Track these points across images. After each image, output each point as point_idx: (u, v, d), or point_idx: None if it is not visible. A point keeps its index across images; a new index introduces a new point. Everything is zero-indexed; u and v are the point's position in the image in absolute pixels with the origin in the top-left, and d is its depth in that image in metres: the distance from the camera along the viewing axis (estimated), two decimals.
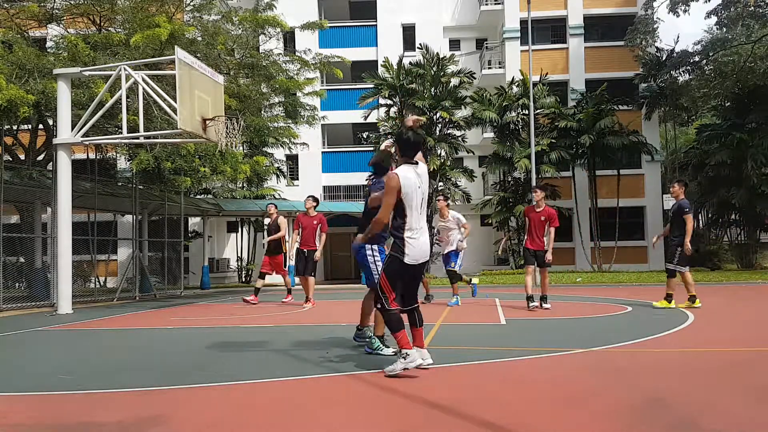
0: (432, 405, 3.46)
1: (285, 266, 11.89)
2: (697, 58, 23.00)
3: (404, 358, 4.26)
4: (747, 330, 6.59)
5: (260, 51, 16.73)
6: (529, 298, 9.17)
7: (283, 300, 11.58)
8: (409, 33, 27.95)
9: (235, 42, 15.00)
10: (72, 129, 10.84)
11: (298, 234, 10.79)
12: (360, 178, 26.21)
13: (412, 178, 4.33)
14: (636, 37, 23.24)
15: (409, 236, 4.31)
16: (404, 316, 4.44)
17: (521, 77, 23.52)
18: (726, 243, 25.15)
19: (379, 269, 4.89)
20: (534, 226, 9.11)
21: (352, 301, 12.24)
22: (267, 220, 13.84)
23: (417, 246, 4.32)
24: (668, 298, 8.81)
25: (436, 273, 23.36)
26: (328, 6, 28.32)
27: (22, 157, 15.37)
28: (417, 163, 4.46)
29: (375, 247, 5.35)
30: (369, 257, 5.33)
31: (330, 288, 19.12)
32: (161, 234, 17.12)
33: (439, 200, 10.52)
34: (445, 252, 10.40)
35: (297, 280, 11.36)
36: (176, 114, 9.50)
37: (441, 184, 22.89)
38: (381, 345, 5.25)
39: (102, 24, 15.12)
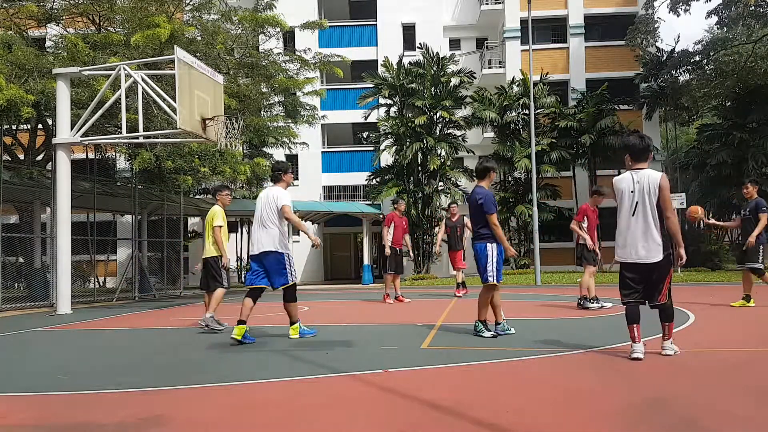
0: (432, 405, 3.45)
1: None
2: (697, 58, 22.98)
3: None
4: (747, 330, 6.58)
5: (260, 50, 16.72)
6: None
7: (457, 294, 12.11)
8: (409, 33, 27.95)
9: (234, 41, 14.99)
10: (71, 129, 10.84)
11: (390, 233, 11.10)
12: (360, 178, 26.22)
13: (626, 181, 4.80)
14: (636, 36, 23.23)
15: (617, 236, 4.83)
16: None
17: (521, 77, 23.51)
18: (727, 243, 25.15)
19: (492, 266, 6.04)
20: (594, 226, 9.00)
21: (352, 302, 12.25)
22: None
23: (621, 245, 4.79)
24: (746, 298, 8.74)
25: (436, 273, 23.38)
26: (328, 5, 28.32)
27: (22, 156, 15.36)
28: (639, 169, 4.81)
29: (495, 245, 6.12)
30: (489, 254, 6.08)
31: (330, 288, 19.12)
32: (160, 234, 17.12)
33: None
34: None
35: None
36: (176, 114, 9.49)
37: (441, 183, 22.89)
38: (483, 328, 6.16)
39: (101, 24, 15.12)
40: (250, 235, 6.53)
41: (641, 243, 4.65)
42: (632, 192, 4.70)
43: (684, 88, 24.04)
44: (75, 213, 12.59)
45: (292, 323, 6.49)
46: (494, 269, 6.08)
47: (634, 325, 4.72)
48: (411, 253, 11.34)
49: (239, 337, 6.03)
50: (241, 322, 6.08)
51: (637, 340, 4.69)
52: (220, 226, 7.43)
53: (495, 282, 6.11)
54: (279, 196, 6.25)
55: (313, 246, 6.41)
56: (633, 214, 4.68)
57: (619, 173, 26.11)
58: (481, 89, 24.23)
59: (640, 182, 4.69)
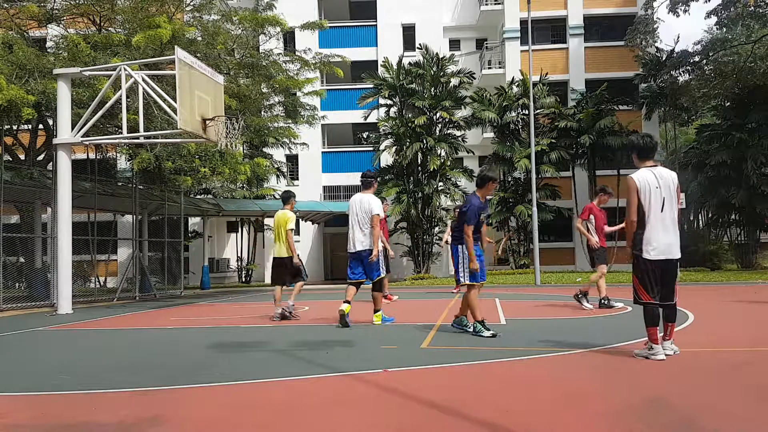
0: (432, 405, 3.46)
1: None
2: (697, 58, 22.98)
3: (650, 349, 4.68)
4: (747, 330, 6.59)
5: (260, 51, 16.74)
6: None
7: None
8: (409, 33, 27.94)
9: (235, 42, 15.01)
10: (72, 129, 10.84)
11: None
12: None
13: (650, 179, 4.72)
14: (636, 37, 23.23)
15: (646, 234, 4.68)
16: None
17: (521, 77, 23.51)
18: (726, 243, 25.13)
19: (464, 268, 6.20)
20: (601, 225, 8.86)
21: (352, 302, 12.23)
22: None
23: (653, 242, 4.64)
24: None
25: (436, 273, 23.39)
26: (328, 6, 28.32)
27: (22, 157, 15.37)
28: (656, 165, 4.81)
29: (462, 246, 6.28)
30: (460, 255, 6.26)
31: (330, 288, 19.11)
32: (161, 234, 17.12)
33: None
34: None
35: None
36: (176, 114, 9.50)
37: (441, 184, 22.89)
38: (482, 328, 6.16)
39: (102, 24, 15.13)
40: (348, 236, 7.40)
41: (670, 239, 4.66)
42: (657, 188, 4.67)
43: (683, 89, 24.04)
44: (76, 213, 12.59)
45: (376, 311, 7.41)
46: (465, 270, 6.26)
47: (657, 328, 4.66)
48: (391, 252, 11.71)
49: (346, 312, 7.20)
50: (347, 301, 7.23)
51: (660, 341, 4.66)
52: (293, 229, 8.45)
53: (467, 282, 6.25)
54: (373, 203, 7.27)
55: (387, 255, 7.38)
56: (661, 211, 4.66)
57: (619, 173, 25.94)
58: (480, 89, 24.22)
59: (664, 179, 4.70)
